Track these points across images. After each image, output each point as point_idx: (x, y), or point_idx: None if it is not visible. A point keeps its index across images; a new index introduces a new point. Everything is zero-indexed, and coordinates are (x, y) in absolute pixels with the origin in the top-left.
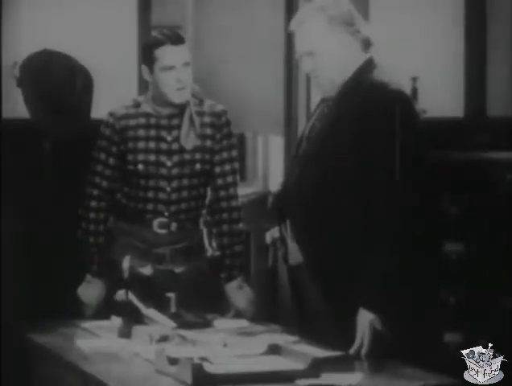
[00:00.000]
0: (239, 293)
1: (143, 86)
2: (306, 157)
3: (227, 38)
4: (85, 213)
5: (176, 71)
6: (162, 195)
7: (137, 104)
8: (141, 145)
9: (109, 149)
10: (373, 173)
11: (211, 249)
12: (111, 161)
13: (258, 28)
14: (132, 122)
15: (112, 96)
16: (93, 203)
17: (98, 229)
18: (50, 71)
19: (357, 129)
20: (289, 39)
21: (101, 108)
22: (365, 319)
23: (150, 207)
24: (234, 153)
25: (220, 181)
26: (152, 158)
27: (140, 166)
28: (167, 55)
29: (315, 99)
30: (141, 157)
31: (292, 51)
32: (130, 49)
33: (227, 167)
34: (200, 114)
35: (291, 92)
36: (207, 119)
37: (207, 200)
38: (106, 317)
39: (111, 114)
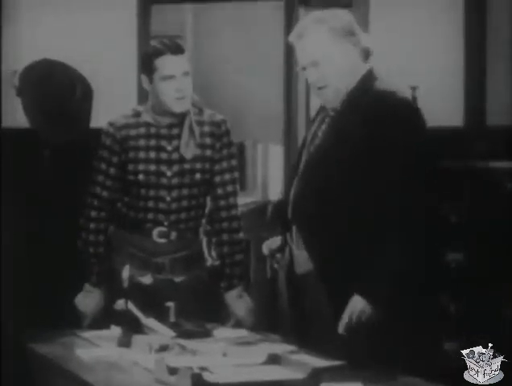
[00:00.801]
0: (239, 302)
1: (143, 95)
2: (313, 165)
3: (226, 47)
4: (85, 223)
5: (176, 81)
6: (162, 205)
7: (137, 114)
8: (141, 155)
9: (110, 159)
10: (382, 179)
11: (210, 259)
12: (112, 171)
13: (257, 38)
14: (132, 132)
15: (111, 104)
16: (93, 213)
17: (98, 239)
18: (49, 81)
19: (366, 136)
20: (289, 47)
21: (100, 117)
22: (357, 302)
23: (150, 216)
24: (234, 162)
25: (219, 190)
26: (152, 167)
27: (140, 176)
28: (167, 64)
29: (315, 108)
30: (141, 167)
31: (292, 60)
32: (129, 58)
33: (227, 176)
34: (200, 123)
35: (291, 101)
36: (207, 128)
37: (207, 210)
38: (106, 326)
39: (111, 124)
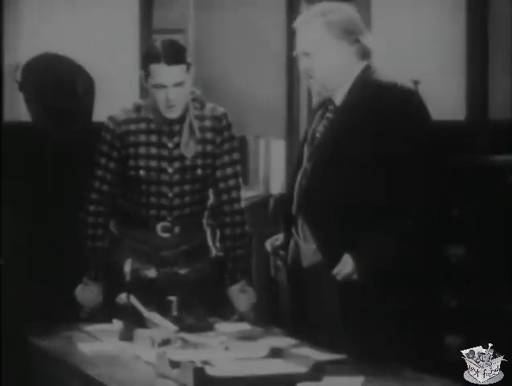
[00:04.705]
0: (241, 296)
1: (144, 90)
2: (318, 160)
3: (228, 41)
4: (84, 217)
5: (167, 91)
6: (164, 201)
7: (137, 109)
8: (142, 150)
9: (110, 154)
10: (390, 171)
11: (214, 249)
12: (112, 165)
13: (259, 31)
14: (132, 127)
15: (113, 99)
16: (92, 207)
17: (96, 233)
18: (51, 75)
19: (372, 128)
20: (290, 42)
21: (102, 112)
22: (350, 260)
23: (152, 212)
24: (236, 156)
25: (222, 185)
26: (153, 164)
27: (141, 172)
28: (160, 73)
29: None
30: (142, 163)
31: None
32: (131, 52)
33: (229, 171)
34: (201, 118)
35: (293, 95)
36: (207, 123)
37: (209, 202)
38: (108, 320)
39: (111, 118)
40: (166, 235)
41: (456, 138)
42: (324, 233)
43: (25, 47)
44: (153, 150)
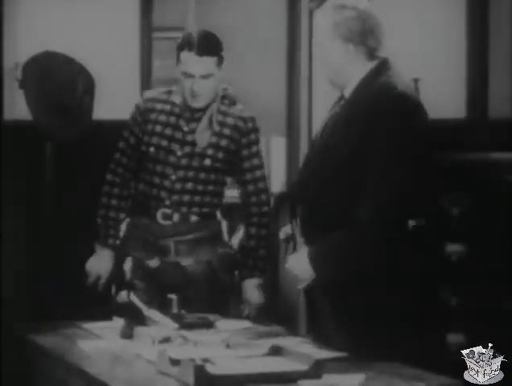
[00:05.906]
0: (255, 290)
1: (145, 87)
2: (314, 153)
3: (229, 39)
4: (104, 188)
5: (193, 81)
6: (166, 183)
7: (169, 92)
8: (158, 129)
9: (132, 128)
10: (376, 173)
11: (228, 246)
12: (132, 140)
13: (259, 29)
14: (158, 106)
15: (114, 97)
16: (109, 177)
17: (110, 203)
18: (51, 73)
19: (365, 128)
20: (291, 39)
21: (102, 110)
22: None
23: (154, 192)
24: (262, 159)
25: (251, 187)
26: (164, 143)
27: (151, 149)
28: (188, 62)
29: (318, 100)
30: (154, 140)
31: (294, 53)
32: (131, 50)
33: (258, 173)
34: (225, 114)
35: (293, 93)
36: (230, 120)
37: (223, 200)
38: (108, 318)
39: (142, 95)
40: (166, 222)
41: (456, 136)
42: (309, 229)
43: (25, 46)
44: (168, 131)
